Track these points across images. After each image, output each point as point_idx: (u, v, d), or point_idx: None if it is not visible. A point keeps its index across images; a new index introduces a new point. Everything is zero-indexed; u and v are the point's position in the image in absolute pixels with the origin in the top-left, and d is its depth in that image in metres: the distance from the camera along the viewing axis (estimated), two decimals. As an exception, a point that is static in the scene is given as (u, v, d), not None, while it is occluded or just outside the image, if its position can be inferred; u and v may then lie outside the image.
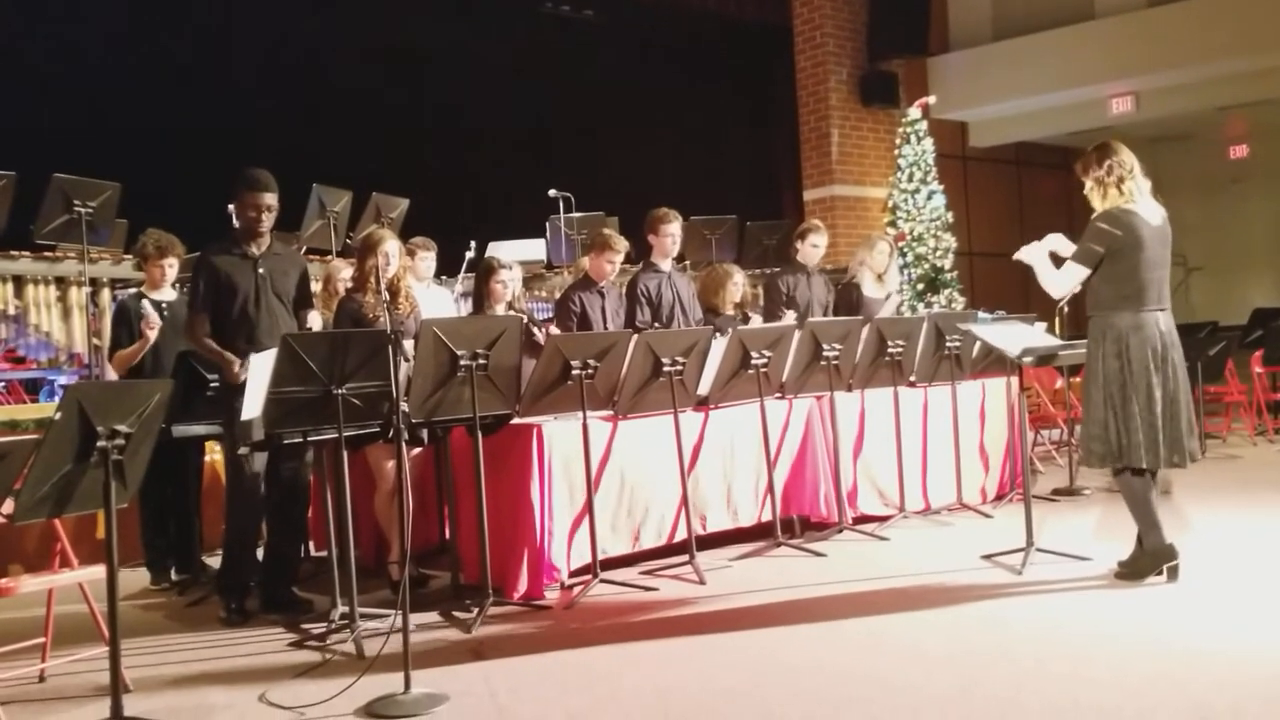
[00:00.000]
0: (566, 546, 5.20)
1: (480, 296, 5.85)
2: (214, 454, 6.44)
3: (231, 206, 5.05)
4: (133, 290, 6.47)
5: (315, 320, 5.28)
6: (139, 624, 5.01)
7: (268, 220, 5.04)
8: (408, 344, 4.83)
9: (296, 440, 4.71)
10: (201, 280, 5.02)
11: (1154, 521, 4.68)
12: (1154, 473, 4.71)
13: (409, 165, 10.14)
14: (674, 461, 5.44)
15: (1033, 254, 4.96)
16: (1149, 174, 4.82)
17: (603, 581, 5.08)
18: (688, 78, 13.03)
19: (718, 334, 5.86)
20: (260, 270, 5.02)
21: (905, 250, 11.22)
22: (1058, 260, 4.89)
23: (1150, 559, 4.68)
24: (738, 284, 6.98)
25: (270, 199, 5.02)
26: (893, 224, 11.51)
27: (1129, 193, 4.69)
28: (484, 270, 5.85)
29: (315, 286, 7.37)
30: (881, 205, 12.23)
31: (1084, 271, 4.74)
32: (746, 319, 7.01)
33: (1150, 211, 4.71)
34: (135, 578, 5.93)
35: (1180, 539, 4.78)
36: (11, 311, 7.18)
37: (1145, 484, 4.69)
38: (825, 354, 6.03)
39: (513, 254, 7.01)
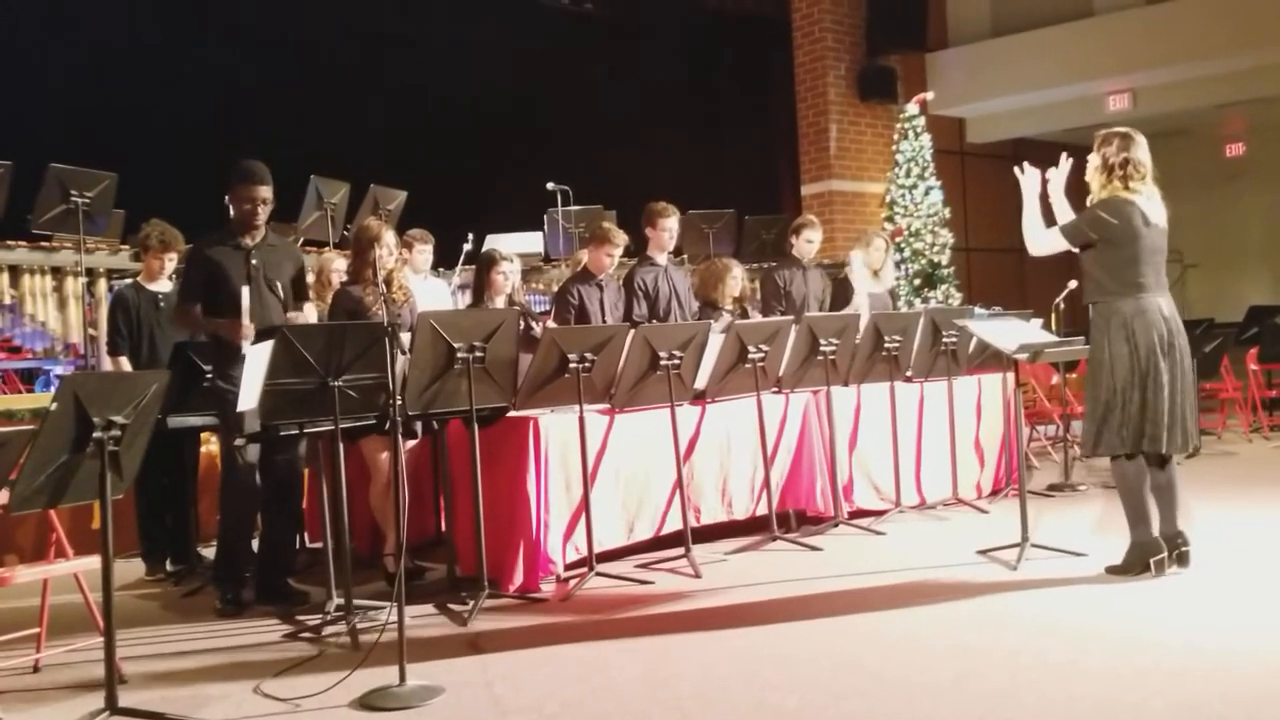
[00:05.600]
0: (562, 539, 5.21)
1: (480, 288, 5.85)
2: (210, 444, 6.44)
3: (227, 198, 5.04)
4: (129, 281, 6.46)
5: (310, 314, 5.27)
6: (134, 614, 5.01)
7: (263, 212, 5.03)
8: (403, 336, 4.83)
9: (292, 432, 4.71)
10: (194, 271, 5.02)
11: (1144, 514, 4.69)
12: (1156, 460, 4.71)
13: (407, 157, 10.13)
14: (670, 455, 5.45)
15: (1029, 185, 4.98)
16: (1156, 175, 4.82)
17: (599, 574, 5.08)
18: (686, 71, 13.03)
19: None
20: (253, 262, 5.01)
21: (902, 246, 11.23)
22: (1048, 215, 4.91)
23: (1138, 554, 4.69)
24: (736, 278, 6.98)
25: (265, 191, 5.01)
26: (890, 219, 11.51)
27: (1134, 190, 4.69)
28: (485, 262, 5.85)
29: (309, 278, 7.39)
30: (879, 200, 12.23)
31: (1064, 244, 4.81)
32: (745, 313, 7.01)
33: (1151, 208, 4.72)
34: (131, 568, 5.93)
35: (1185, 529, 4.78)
36: (7, 301, 7.17)
37: (1141, 473, 4.70)
38: (822, 349, 6.03)
39: (511, 247, 7.01)
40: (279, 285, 5.10)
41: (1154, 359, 4.60)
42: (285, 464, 5.07)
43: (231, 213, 5.04)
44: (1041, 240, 4.90)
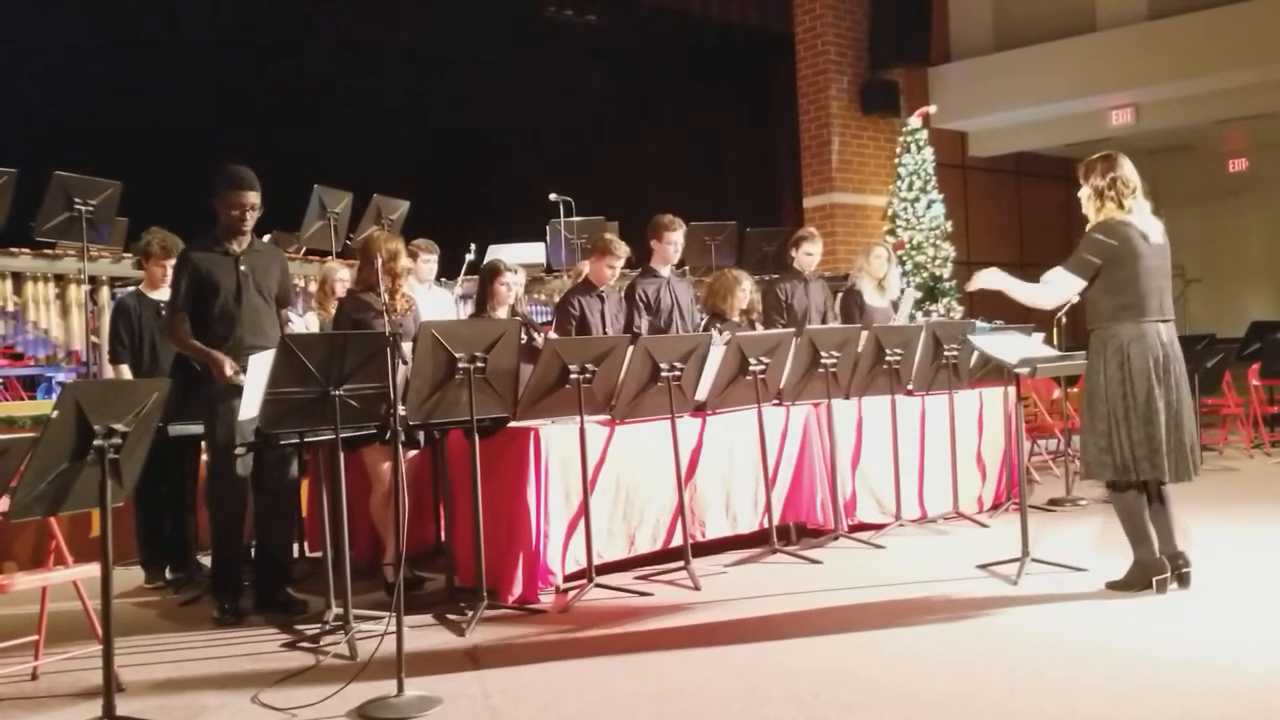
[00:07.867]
0: (562, 550, 5.20)
1: (483, 298, 5.85)
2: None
3: (214, 203, 5.02)
4: (131, 289, 6.48)
5: (306, 322, 5.27)
6: (133, 622, 5.01)
7: (251, 218, 5.00)
8: (405, 346, 4.82)
9: (292, 441, 4.70)
10: (183, 279, 4.98)
11: (1145, 535, 4.68)
12: (1154, 486, 4.70)
13: (410, 167, 10.14)
14: (670, 467, 5.44)
15: (992, 279, 4.99)
16: (1149, 187, 4.84)
17: (598, 586, 5.08)
18: (689, 83, 13.04)
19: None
20: (242, 268, 5.00)
21: (904, 259, 11.23)
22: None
23: (1141, 572, 4.68)
24: (746, 290, 6.96)
25: (254, 197, 4.98)
26: (892, 232, 11.52)
27: (1128, 209, 4.70)
28: (488, 272, 5.86)
29: (311, 287, 7.40)
30: (881, 213, 12.24)
31: (1077, 281, 4.74)
32: (752, 325, 7.00)
33: (1148, 225, 4.72)
34: (130, 576, 5.92)
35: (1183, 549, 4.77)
36: (10, 308, 7.17)
37: (1139, 499, 4.69)
38: (823, 361, 6.03)
39: (513, 257, 7.02)
40: (268, 290, 5.08)
41: (1148, 384, 4.58)
42: (277, 473, 5.05)
43: (219, 218, 5.03)
44: (1047, 291, 4.87)
